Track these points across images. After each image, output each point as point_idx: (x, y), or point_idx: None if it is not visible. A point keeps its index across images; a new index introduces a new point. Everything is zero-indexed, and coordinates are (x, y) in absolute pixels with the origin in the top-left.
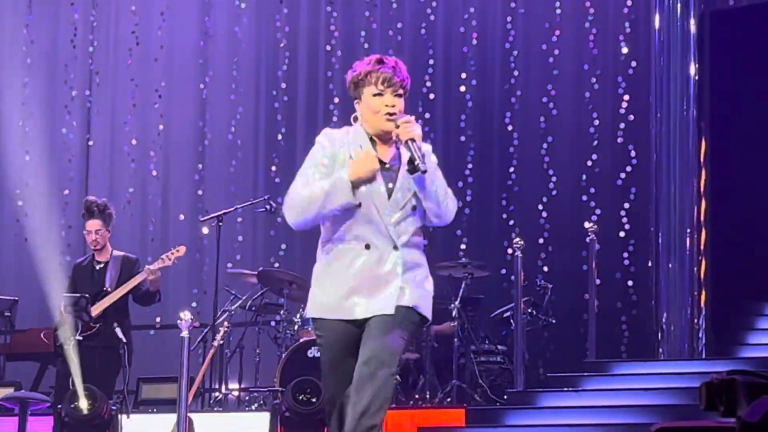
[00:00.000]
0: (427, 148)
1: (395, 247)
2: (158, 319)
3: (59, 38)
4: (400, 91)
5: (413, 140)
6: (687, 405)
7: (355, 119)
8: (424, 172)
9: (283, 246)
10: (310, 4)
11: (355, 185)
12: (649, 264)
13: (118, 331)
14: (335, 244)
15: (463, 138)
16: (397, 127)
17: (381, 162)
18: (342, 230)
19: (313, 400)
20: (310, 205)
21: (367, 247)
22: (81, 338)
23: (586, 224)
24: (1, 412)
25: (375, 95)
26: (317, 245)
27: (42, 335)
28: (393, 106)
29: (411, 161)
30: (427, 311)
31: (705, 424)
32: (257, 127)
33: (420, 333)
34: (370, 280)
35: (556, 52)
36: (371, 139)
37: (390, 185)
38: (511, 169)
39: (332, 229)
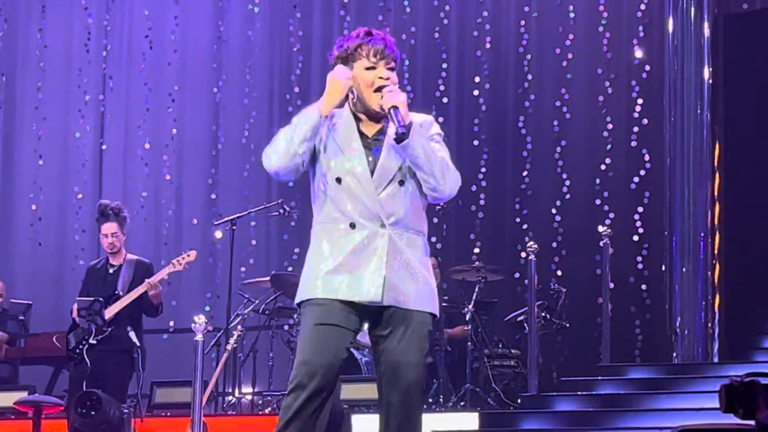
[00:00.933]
0: (424, 118)
1: (383, 226)
2: (172, 323)
3: (73, 43)
4: (392, 64)
5: (396, 108)
6: (701, 409)
7: (345, 99)
8: (404, 134)
9: (297, 250)
10: (323, 8)
11: (327, 109)
12: (663, 268)
13: (132, 335)
14: (323, 224)
15: (476, 142)
16: (382, 97)
17: (364, 136)
18: (329, 209)
19: None
20: (283, 141)
21: (353, 226)
22: (94, 342)
23: (600, 228)
24: (15, 415)
25: (368, 68)
26: None
27: (54, 339)
28: (387, 78)
29: (396, 130)
30: (434, 306)
31: (727, 425)
32: (270, 131)
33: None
34: (357, 260)
35: (570, 55)
36: (356, 117)
37: (371, 158)
38: (525, 173)
39: (320, 209)
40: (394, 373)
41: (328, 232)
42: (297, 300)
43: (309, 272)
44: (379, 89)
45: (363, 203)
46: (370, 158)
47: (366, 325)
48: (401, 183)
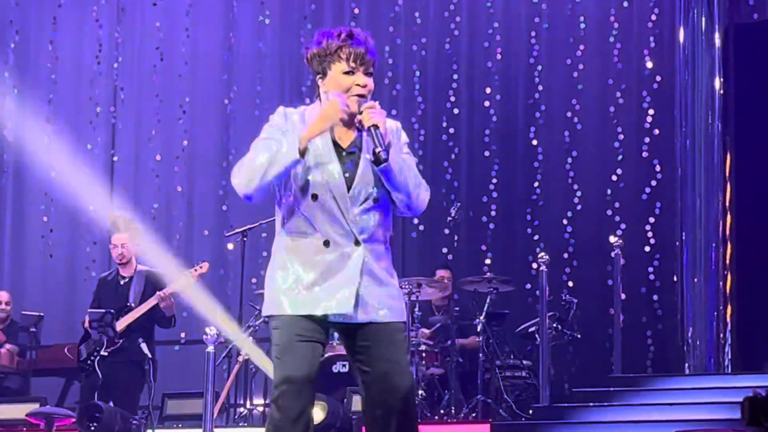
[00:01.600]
0: (394, 124)
1: (357, 243)
2: (183, 335)
3: (84, 54)
4: (371, 70)
5: (376, 127)
6: (712, 420)
7: (318, 97)
8: (386, 160)
9: None
10: (333, 19)
11: (309, 141)
12: (675, 278)
13: (143, 346)
14: (292, 237)
15: (487, 153)
16: (360, 113)
17: (339, 148)
18: (299, 222)
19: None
20: (258, 168)
21: (326, 243)
22: (106, 353)
23: (611, 239)
24: (27, 427)
25: (345, 73)
26: None
27: (66, 350)
28: (365, 86)
29: (374, 151)
30: (404, 314)
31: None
32: None
33: None
34: (331, 278)
35: (581, 66)
36: None
37: (347, 174)
38: (536, 184)
39: (288, 221)
40: (391, 381)
41: (299, 247)
42: (267, 313)
43: (280, 286)
44: (359, 97)
45: (338, 222)
46: (347, 174)
47: (336, 338)
48: (375, 201)
